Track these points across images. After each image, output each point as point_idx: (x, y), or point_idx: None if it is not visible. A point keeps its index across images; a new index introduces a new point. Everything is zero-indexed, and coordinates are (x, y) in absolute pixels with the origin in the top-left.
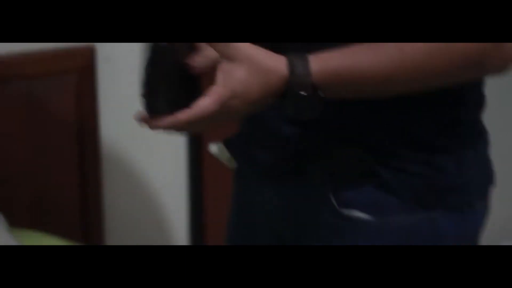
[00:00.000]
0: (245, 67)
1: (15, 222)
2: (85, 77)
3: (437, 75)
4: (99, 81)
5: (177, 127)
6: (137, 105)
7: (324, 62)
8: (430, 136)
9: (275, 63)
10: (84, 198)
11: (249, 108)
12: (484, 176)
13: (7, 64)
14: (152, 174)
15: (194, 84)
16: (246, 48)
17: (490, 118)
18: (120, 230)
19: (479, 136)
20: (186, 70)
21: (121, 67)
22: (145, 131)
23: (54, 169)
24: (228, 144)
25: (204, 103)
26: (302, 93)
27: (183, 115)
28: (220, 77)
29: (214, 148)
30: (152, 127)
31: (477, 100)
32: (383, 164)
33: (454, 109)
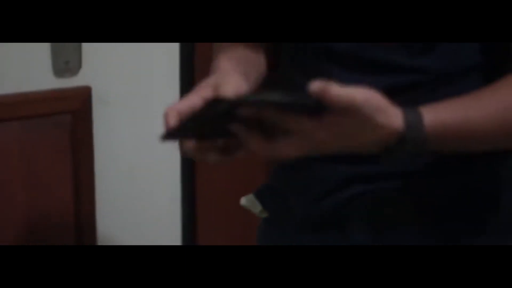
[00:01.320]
0: (356, 118)
1: None
2: (80, 118)
3: None
4: (94, 123)
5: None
6: (130, 147)
7: (435, 115)
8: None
9: (387, 117)
10: (79, 239)
11: (340, 142)
12: None
13: (1, 105)
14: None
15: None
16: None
17: None
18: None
19: None
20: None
21: (116, 108)
22: (142, 168)
23: (49, 209)
24: (260, 195)
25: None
26: (412, 147)
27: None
28: (327, 118)
29: (245, 200)
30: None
31: None
32: (423, 211)
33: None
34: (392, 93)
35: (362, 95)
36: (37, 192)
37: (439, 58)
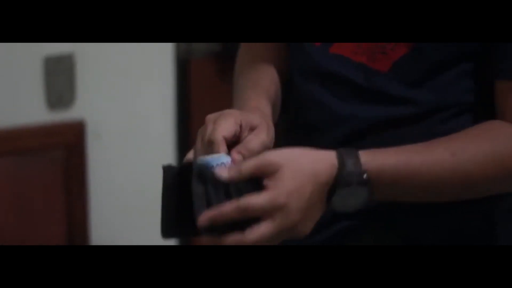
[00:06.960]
0: (289, 167)
1: None
2: (73, 153)
3: (489, 185)
4: (88, 157)
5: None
6: (125, 182)
7: (372, 156)
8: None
9: (319, 155)
10: None
11: (308, 211)
12: None
13: None
14: None
15: None
16: (283, 154)
17: None
18: None
19: None
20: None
21: (111, 142)
22: (138, 204)
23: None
24: None
25: (255, 198)
26: (354, 182)
27: (229, 206)
28: (268, 183)
29: None
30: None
31: None
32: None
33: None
34: (384, 125)
35: (272, 152)
36: (30, 229)
37: (432, 91)
